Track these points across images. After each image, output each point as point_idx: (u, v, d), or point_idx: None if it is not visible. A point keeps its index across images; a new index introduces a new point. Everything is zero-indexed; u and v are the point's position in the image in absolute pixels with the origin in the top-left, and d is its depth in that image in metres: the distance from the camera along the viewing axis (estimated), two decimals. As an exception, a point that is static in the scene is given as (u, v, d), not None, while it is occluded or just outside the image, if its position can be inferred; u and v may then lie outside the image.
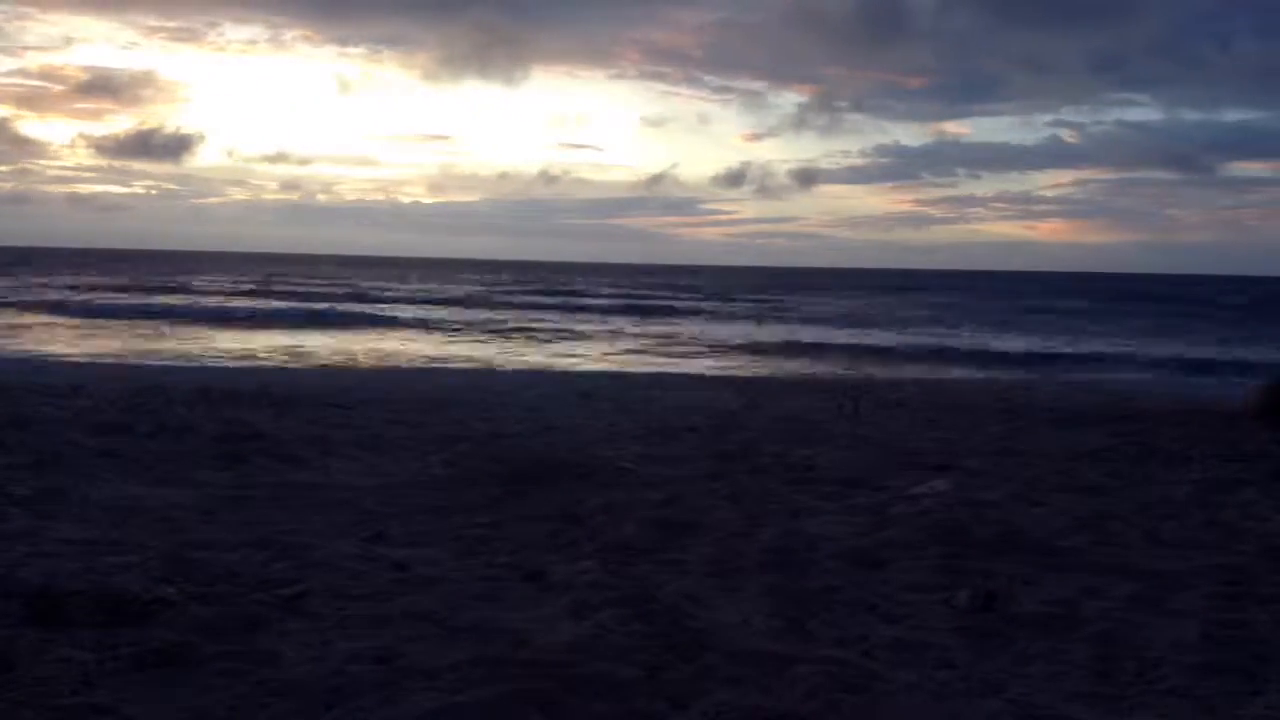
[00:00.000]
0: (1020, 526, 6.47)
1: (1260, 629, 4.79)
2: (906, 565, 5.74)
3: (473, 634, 4.53)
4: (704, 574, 5.53)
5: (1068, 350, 29.67)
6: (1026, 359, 27.32)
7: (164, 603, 4.74)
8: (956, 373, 23.04)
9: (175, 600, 4.79)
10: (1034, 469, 8.64)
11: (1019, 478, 8.19)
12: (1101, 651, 4.53)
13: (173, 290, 51.74)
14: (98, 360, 19.79)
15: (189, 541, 5.92)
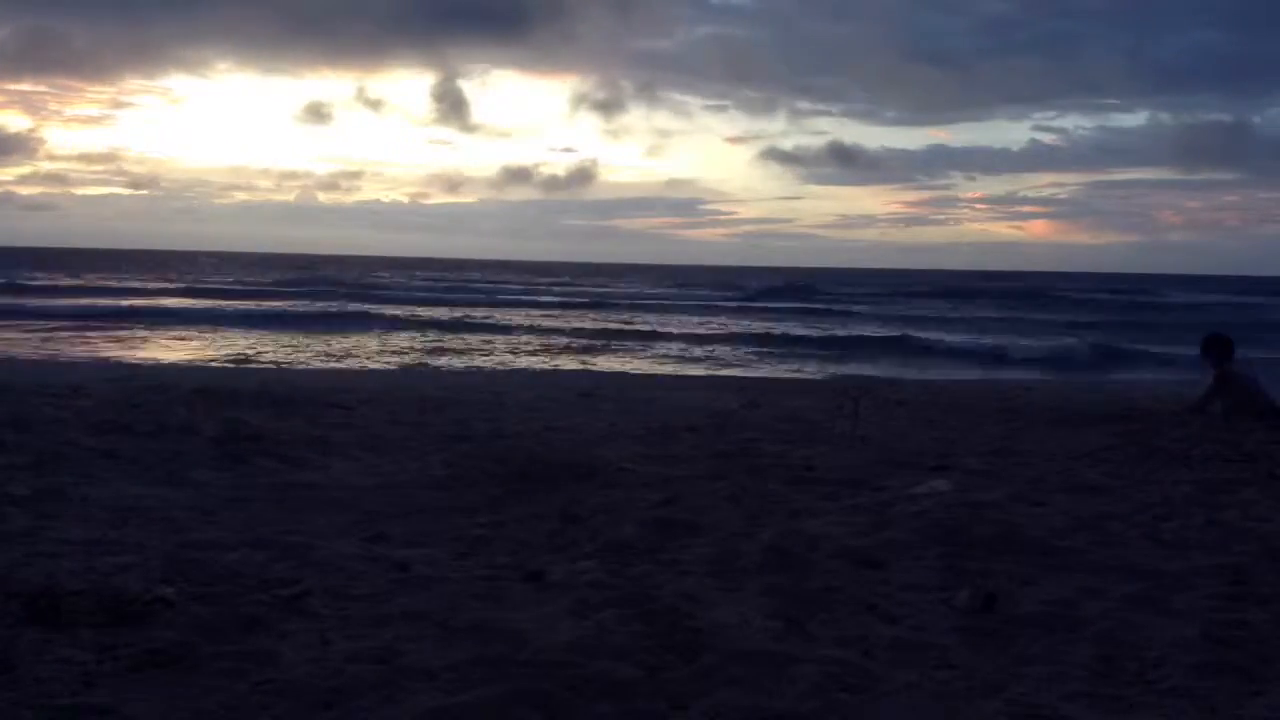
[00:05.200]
0: (1020, 526, 6.46)
1: (1260, 629, 4.78)
2: (906, 565, 5.74)
3: (473, 634, 4.53)
4: (704, 574, 5.53)
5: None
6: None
7: (164, 603, 4.74)
8: (956, 374, 23.05)
9: (175, 600, 4.79)
10: (1034, 469, 8.63)
11: (1019, 478, 8.18)
12: (1101, 651, 4.53)
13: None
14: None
15: (189, 541, 5.92)
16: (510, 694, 3.86)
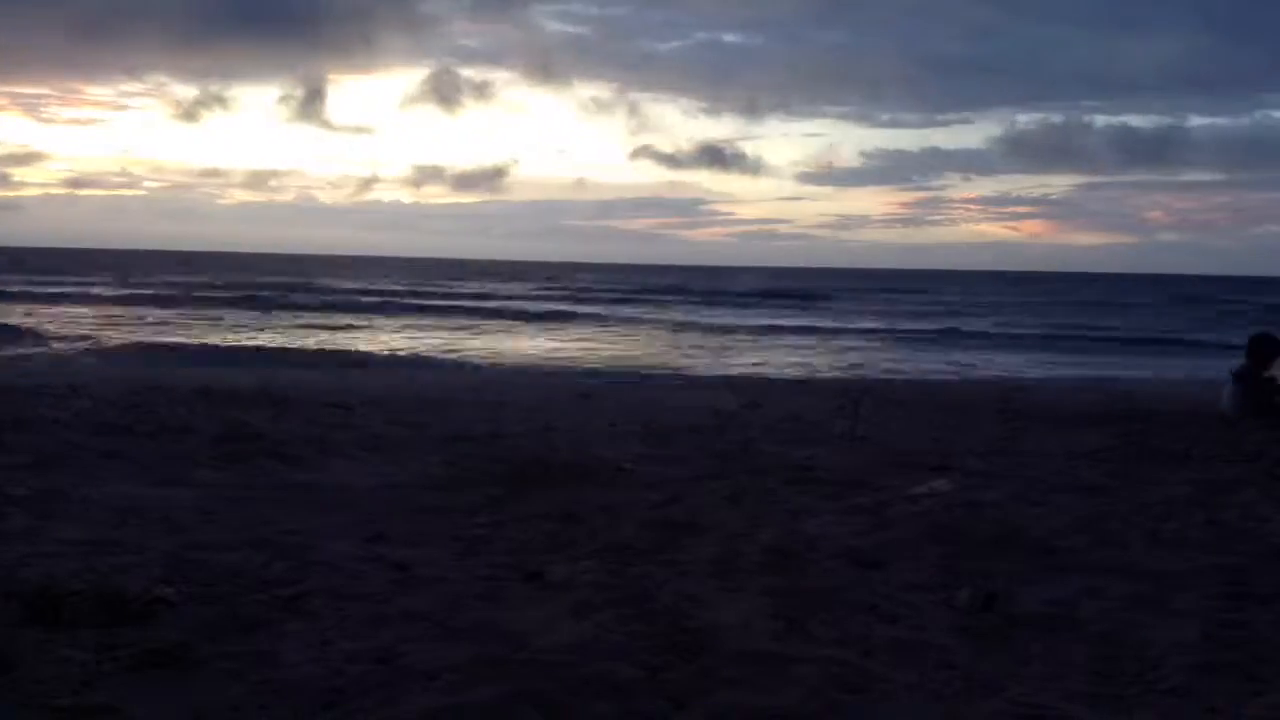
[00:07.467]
0: (1020, 526, 6.47)
1: (1260, 629, 4.78)
2: (906, 565, 5.74)
3: (473, 634, 4.53)
4: (704, 574, 5.52)
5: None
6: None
7: (164, 603, 4.74)
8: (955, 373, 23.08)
9: (175, 600, 4.79)
10: (1034, 469, 8.63)
11: (1019, 478, 8.18)
12: (1101, 651, 4.53)
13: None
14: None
15: (189, 541, 5.92)
16: (510, 694, 3.86)
